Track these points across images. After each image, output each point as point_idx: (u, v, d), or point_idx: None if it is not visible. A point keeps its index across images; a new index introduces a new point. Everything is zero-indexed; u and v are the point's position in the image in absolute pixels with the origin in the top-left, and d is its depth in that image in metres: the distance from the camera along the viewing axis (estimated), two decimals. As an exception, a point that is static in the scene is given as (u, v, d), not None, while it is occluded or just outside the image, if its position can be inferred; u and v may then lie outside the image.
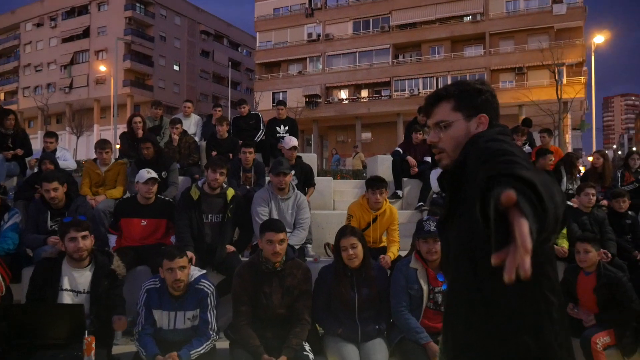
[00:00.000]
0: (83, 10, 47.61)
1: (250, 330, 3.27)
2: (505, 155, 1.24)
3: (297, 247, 4.70)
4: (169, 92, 47.00)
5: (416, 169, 6.85)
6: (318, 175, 7.10)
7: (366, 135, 36.38)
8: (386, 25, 36.43)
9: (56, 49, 48.44)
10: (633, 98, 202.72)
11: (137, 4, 46.24)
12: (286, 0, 39.77)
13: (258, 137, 7.72)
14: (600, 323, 3.86)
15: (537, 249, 1.01)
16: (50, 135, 6.98)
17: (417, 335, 3.36)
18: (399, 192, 6.89)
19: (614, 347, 3.81)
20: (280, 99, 23.57)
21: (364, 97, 37.20)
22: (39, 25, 50.40)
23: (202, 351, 3.17)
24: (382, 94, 36.65)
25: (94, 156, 5.82)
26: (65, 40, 47.98)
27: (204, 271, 3.52)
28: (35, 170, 6.24)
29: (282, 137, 7.19)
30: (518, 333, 1.34)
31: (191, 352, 3.12)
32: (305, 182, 6.09)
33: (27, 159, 6.80)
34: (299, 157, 6.28)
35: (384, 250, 4.63)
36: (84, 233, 3.37)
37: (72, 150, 30.76)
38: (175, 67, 49.47)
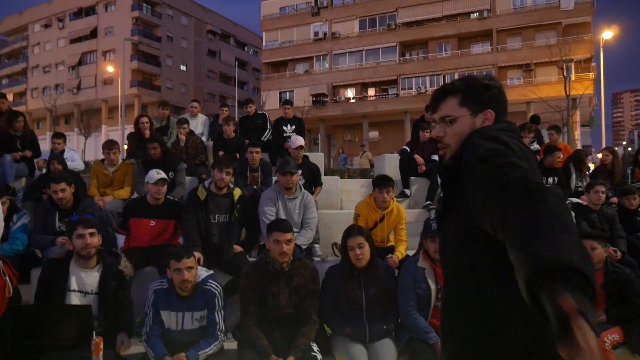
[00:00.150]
0: (90, 11, 47.89)
1: (258, 331, 3.27)
2: (497, 168, 1.24)
3: (304, 247, 4.67)
4: (176, 92, 47.16)
5: (424, 168, 6.79)
6: (325, 175, 7.07)
7: (373, 134, 36.23)
8: (392, 23, 36.25)
9: (64, 49, 48.77)
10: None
11: (144, 4, 46.43)
12: (292, -1, 39.81)
13: (265, 137, 7.73)
14: (608, 320, 3.89)
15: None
16: (59, 136, 7.02)
17: (426, 335, 3.35)
18: (407, 191, 6.84)
19: (623, 346, 3.81)
20: (287, 98, 23.62)
21: (370, 96, 37.04)
22: (47, 26, 50.80)
23: (209, 352, 3.18)
24: (389, 92, 36.47)
25: (102, 157, 5.84)
26: (73, 41, 48.28)
27: (212, 272, 3.53)
28: (44, 171, 6.27)
29: (289, 137, 7.15)
30: (517, 328, 1.33)
31: (199, 353, 3.12)
32: (313, 181, 6.07)
33: (35, 160, 6.82)
34: (306, 157, 6.26)
35: (391, 249, 4.60)
36: (91, 230, 3.39)
37: (80, 151, 30.97)
38: (182, 67, 49.60)
